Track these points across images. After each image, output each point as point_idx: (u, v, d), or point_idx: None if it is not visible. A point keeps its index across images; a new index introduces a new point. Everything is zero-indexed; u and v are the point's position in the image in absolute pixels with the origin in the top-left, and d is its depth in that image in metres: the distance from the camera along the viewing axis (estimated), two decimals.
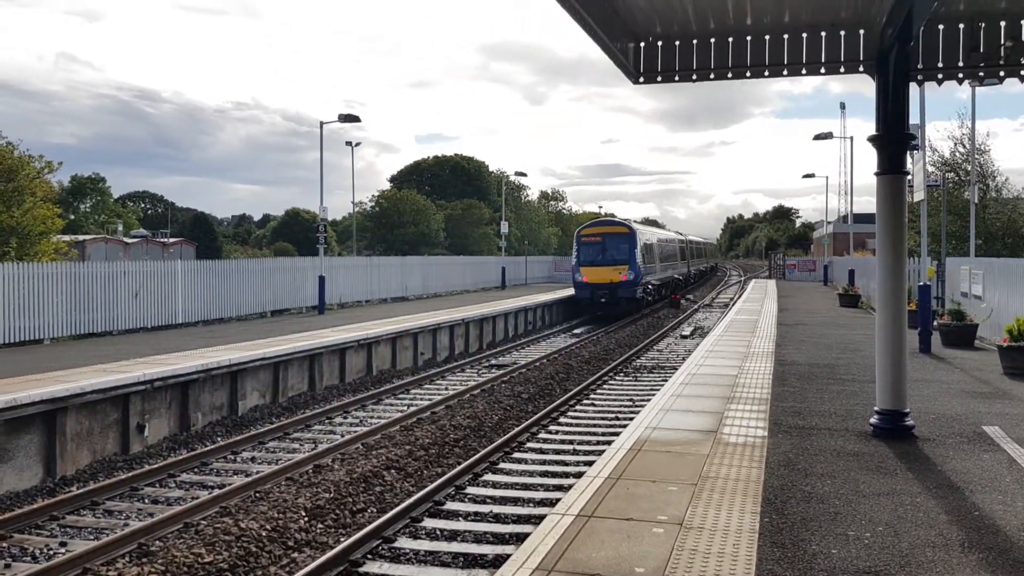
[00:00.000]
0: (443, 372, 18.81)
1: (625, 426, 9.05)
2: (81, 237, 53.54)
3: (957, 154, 33.73)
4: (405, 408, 14.76)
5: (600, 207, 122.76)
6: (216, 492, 9.45)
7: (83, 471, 11.04)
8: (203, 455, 11.31)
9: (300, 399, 15.85)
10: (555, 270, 53.18)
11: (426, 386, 17.22)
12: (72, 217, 59.38)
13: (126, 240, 61.54)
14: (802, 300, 31.38)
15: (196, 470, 10.82)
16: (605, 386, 16.75)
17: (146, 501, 9.58)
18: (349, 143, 43.56)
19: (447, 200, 70.14)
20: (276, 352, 15.39)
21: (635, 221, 37.75)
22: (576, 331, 27.90)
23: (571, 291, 32.88)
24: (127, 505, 9.38)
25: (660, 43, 9.16)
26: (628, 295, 31.33)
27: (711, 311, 36.79)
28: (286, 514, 8.63)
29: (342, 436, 12.60)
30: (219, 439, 12.81)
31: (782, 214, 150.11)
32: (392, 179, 77.44)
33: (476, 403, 14.87)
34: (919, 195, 16.22)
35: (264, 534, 8.04)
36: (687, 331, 27.26)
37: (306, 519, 8.60)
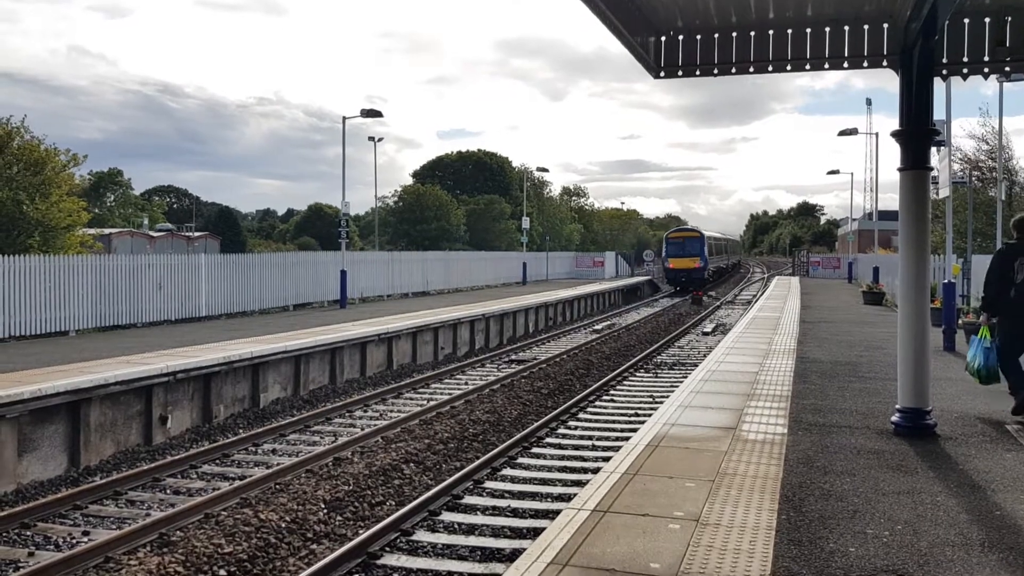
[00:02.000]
0: (463, 367, 18.85)
1: (644, 422, 9.03)
2: (107, 230, 54.15)
3: (980, 151, 33.30)
4: (425, 402, 14.82)
5: (622, 203, 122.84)
6: (237, 483, 9.53)
7: (106, 461, 11.18)
8: (225, 447, 11.41)
9: (321, 392, 15.95)
10: (576, 266, 53.20)
11: (446, 380, 17.27)
12: (97, 211, 60.06)
13: (151, 234, 62.18)
14: (825, 297, 31.13)
15: (217, 462, 10.92)
16: (625, 382, 16.72)
17: (168, 492, 9.68)
18: (371, 138, 43.78)
19: (469, 195, 70.20)
20: (297, 345, 15.49)
21: (701, 229, 52.83)
22: (597, 327, 27.88)
23: (593, 287, 38.49)
24: (149, 495, 9.49)
25: (681, 37, 9.10)
26: (698, 276, 46.54)
27: (733, 308, 36.60)
28: (305, 506, 8.69)
29: (362, 429, 12.67)
30: (240, 431, 12.92)
31: (806, 211, 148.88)
32: (414, 174, 77.59)
33: (495, 398, 14.89)
34: (944, 191, 16.01)
35: (283, 525, 8.10)
36: (709, 328, 27.14)
37: (325, 511, 8.66)
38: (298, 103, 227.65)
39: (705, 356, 17.16)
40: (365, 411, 14.18)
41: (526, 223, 48.02)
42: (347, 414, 13.89)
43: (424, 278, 33.65)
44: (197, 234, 69.95)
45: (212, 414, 13.37)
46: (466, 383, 16.90)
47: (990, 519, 5.46)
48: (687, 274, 46.66)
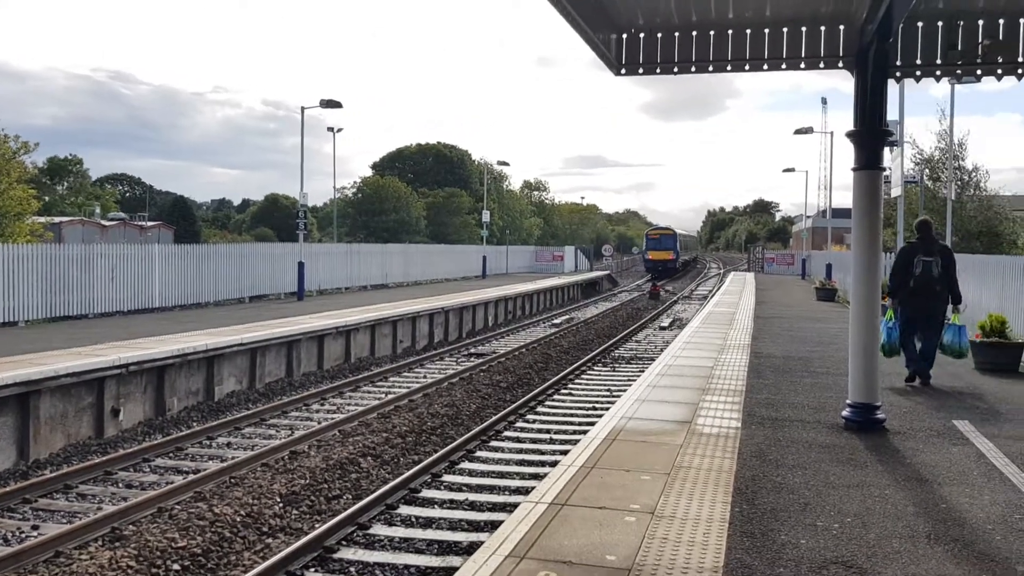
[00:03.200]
0: (422, 360, 18.81)
1: (601, 416, 9.10)
2: (57, 219, 52.91)
3: (937, 151, 34.01)
4: (383, 396, 14.76)
5: (582, 198, 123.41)
6: (191, 477, 9.42)
7: (57, 455, 10.96)
8: (178, 440, 11.26)
9: (277, 385, 15.80)
10: (536, 260, 53.31)
11: (404, 374, 17.22)
12: (47, 199, 58.66)
13: (103, 223, 60.90)
14: (780, 293, 31.63)
15: (171, 455, 10.77)
16: (583, 376, 16.82)
17: (120, 485, 9.53)
18: (331, 129, 43.36)
19: (429, 188, 69.90)
20: (254, 338, 15.32)
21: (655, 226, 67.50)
22: (556, 321, 28.00)
23: (553, 281, 39.17)
24: (101, 489, 9.33)
25: (642, 35, 9.16)
26: (671, 266, 58.60)
27: (690, 303, 37.01)
28: (261, 500, 8.62)
29: (319, 423, 12.58)
30: (195, 424, 12.76)
31: (762, 208, 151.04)
32: (374, 166, 77.06)
33: (454, 391, 14.89)
34: (896, 191, 16.35)
35: (238, 519, 8.03)
36: (665, 322, 27.41)
37: (281, 505, 8.60)
38: (254, 92, 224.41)
39: (662, 351, 17.34)
40: (322, 404, 14.08)
41: (486, 216, 48.00)
42: (304, 407, 13.78)
43: (383, 271, 33.47)
44: (150, 224, 68.69)
45: (166, 407, 13.18)
46: (425, 376, 16.86)
47: (936, 512, 5.61)
48: (663, 264, 58.33)
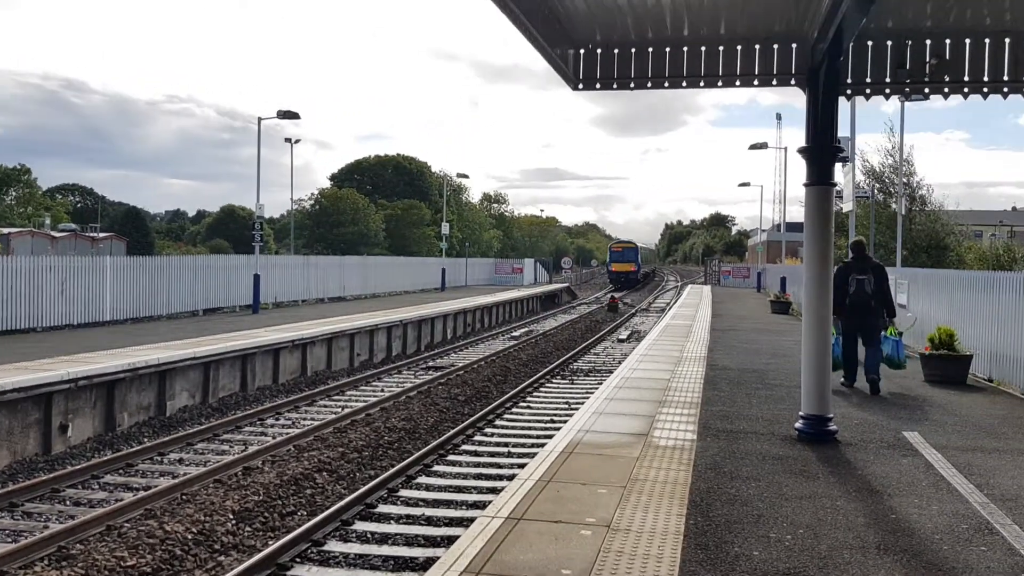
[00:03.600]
0: (379, 374, 18.68)
1: (559, 429, 9.12)
2: (6, 230, 51.70)
3: (886, 167, 34.77)
4: (339, 410, 14.62)
5: (542, 210, 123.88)
6: (141, 494, 9.22)
7: (2, 472, 10.65)
8: (128, 456, 11.02)
9: (231, 400, 15.57)
10: (496, 272, 53.35)
11: (361, 388, 17.08)
12: None
13: (54, 234, 59.63)
14: (736, 306, 32.02)
15: (121, 471, 10.54)
16: (541, 389, 16.84)
17: (68, 503, 9.29)
18: (288, 140, 42.98)
19: (388, 200, 69.62)
20: (207, 351, 15.08)
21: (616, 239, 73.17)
22: (515, 334, 28.02)
23: (512, 293, 39.32)
24: (47, 507, 9.09)
25: (599, 51, 9.25)
26: (634, 277, 64.17)
27: (648, 315, 37.29)
28: (213, 517, 8.46)
29: (273, 438, 12.41)
30: (146, 440, 12.50)
31: (718, 221, 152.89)
32: (332, 177, 76.53)
33: (412, 405, 14.80)
34: (848, 206, 16.68)
35: (190, 537, 7.87)
36: (624, 335, 27.58)
37: (234, 522, 8.45)
38: (210, 102, 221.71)
39: (620, 363, 17.43)
40: (277, 419, 13.90)
41: (446, 229, 47.95)
42: (258, 422, 13.59)
43: (341, 283, 33.22)
44: (102, 235, 67.40)
45: (116, 422, 12.90)
46: (382, 390, 16.74)
47: (886, 522, 5.71)
48: (625, 275, 63.78)
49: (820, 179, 8.28)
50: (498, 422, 13.53)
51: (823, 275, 8.31)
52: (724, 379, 12.31)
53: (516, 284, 50.87)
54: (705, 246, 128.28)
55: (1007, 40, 8.44)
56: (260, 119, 27.48)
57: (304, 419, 13.91)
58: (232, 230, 72.43)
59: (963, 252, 33.36)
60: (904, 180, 29.33)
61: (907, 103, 23.95)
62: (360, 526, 8.35)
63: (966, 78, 8.58)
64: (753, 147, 42.46)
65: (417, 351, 23.96)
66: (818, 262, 8.30)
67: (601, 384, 13.09)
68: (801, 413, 8.44)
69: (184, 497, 9.25)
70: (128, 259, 22.75)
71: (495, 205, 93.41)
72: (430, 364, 20.65)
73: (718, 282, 55.44)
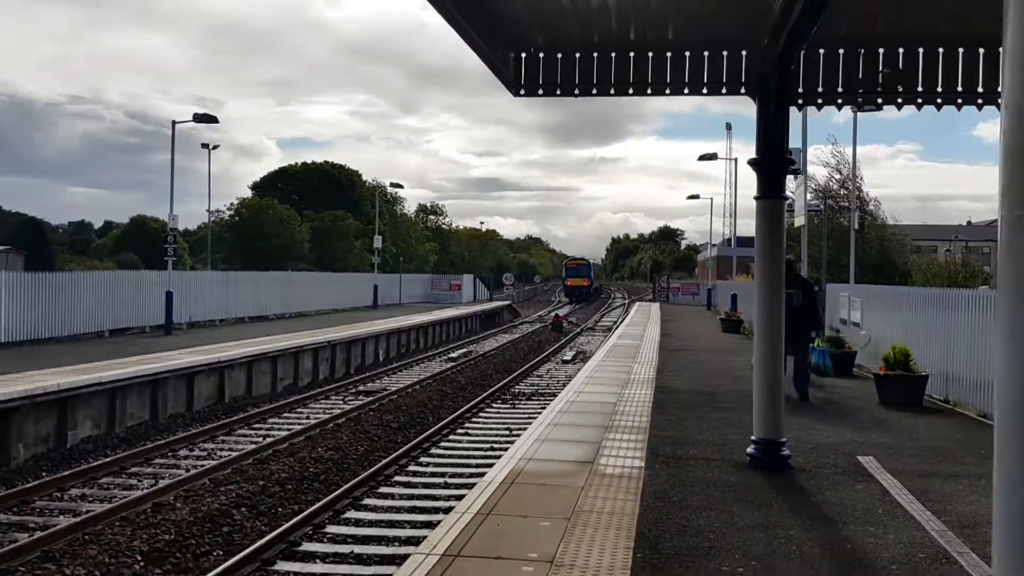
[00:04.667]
0: (305, 399, 18.43)
1: (500, 457, 9.09)
2: None
3: (832, 180, 35.70)
4: (260, 439, 14.36)
5: (481, 223, 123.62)
6: (38, 535, 8.89)
7: None
8: (24, 493, 10.63)
9: (140, 429, 15.17)
10: (432, 289, 53.21)
11: (285, 415, 16.82)
12: None
13: None
14: (685, 325, 32.48)
15: (15, 510, 10.16)
16: (481, 414, 16.81)
17: None
18: (205, 145, 42.25)
19: (315, 211, 68.94)
20: (113, 376, 14.69)
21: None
22: (453, 355, 27.95)
23: (450, 312, 39.59)
24: None
25: (542, 55, 9.32)
26: (587, 291, 74.72)
27: (593, 335, 37.55)
28: (119, 559, 8.22)
29: (187, 471, 12.11)
30: (44, 474, 12.08)
31: (667, 235, 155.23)
32: (254, 186, 75.47)
33: (340, 433, 14.62)
34: (800, 220, 17.05)
35: None
36: (568, 355, 27.73)
37: (142, 564, 8.22)
38: (118, 104, 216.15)
39: (564, 385, 17.50)
40: (191, 450, 13.59)
41: (378, 242, 47.68)
42: (170, 454, 13.26)
43: (263, 301, 32.72)
44: None
45: (10, 455, 12.44)
46: (308, 417, 16.51)
47: (841, 552, 5.82)
48: (580, 289, 73.42)
49: (771, 192, 8.46)
50: (434, 451, 13.44)
51: (774, 292, 8.48)
52: (673, 402, 12.45)
53: (454, 302, 50.79)
54: (653, 261, 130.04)
55: (960, 50, 8.75)
56: (174, 123, 26.98)
57: (221, 450, 13.62)
58: (142, 243, 70.70)
59: (912, 268, 34.40)
60: (855, 193, 30.19)
61: (859, 113, 24.67)
62: (283, 566, 8.19)
63: (919, 88, 8.86)
64: (703, 158, 43.30)
65: (347, 375, 23.71)
66: (769, 279, 8.47)
67: (544, 408, 13.11)
68: (753, 437, 8.57)
69: (87, 537, 8.96)
70: (26, 275, 22.07)
71: (432, 217, 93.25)
72: (361, 389, 20.46)
73: (667, 299, 56.24)
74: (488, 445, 13.79)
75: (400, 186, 60.32)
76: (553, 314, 48.91)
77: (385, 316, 34.49)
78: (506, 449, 10.51)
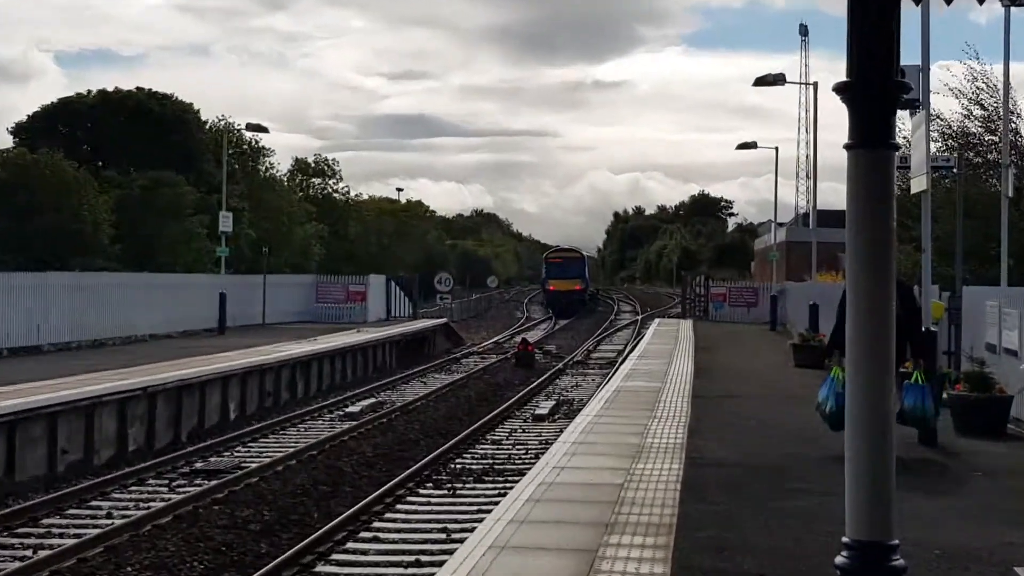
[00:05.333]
0: (103, 485, 18.28)
1: None
2: None
3: (971, 118, 35.68)
4: (29, 553, 14.19)
5: (399, 191, 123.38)
6: None
7: None
8: None
9: None
10: (319, 300, 52.88)
11: (71, 512, 16.67)
12: None
13: None
14: (735, 355, 32.65)
15: None
16: (401, 506, 16.82)
17: None
18: None
19: (121, 170, 68.28)
20: None
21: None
22: (353, 408, 27.88)
23: (348, 338, 40.76)
24: None
25: None
26: (579, 299, 79.06)
27: (586, 372, 37.70)
28: None
29: None
30: None
31: (704, 209, 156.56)
32: (17, 129, 74.63)
33: (164, 541, 14.52)
34: (919, 184, 17.04)
35: None
36: (544, 407, 27.73)
37: None
38: None
39: (537, 457, 17.49)
40: None
41: (226, 223, 47.37)
42: None
43: (33, 321, 32.36)
44: None
45: None
46: (108, 515, 16.37)
47: None
48: (568, 296, 76.84)
49: (872, 137, 8.43)
50: (322, 570, 13.40)
51: (878, 298, 8.46)
52: (716, 483, 12.46)
53: (354, 320, 50.62)
54: (683, 251, 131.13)
55: None
56: None
57: None
58: None
59: None
60: (1009, 139, 29.90)
61: (1012, 7, 24.66)
62: None
63: None
64: (760, 82, 43.53)
65: (174, 442, 23.53)
66: (868, 275, 8.43)
67: (504, 496, 13.06)
68: (845, 539, 8.58)
69: None
70: None
71: (316, 181, 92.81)
72: (198, 467, 20.32)
73: (705, 313, 56.46)
74: (412, 559, 13.72)
75: (263, 129, 59.76)
76: (519, 339, 48.93)
77: (239, 345, 34.24)
78: (442, 565, 10.45)
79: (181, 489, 18.14)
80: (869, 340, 8.72)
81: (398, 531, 15.24)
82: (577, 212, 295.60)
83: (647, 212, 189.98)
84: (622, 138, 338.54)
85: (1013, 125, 32.65)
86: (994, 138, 35.00)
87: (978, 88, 36.17)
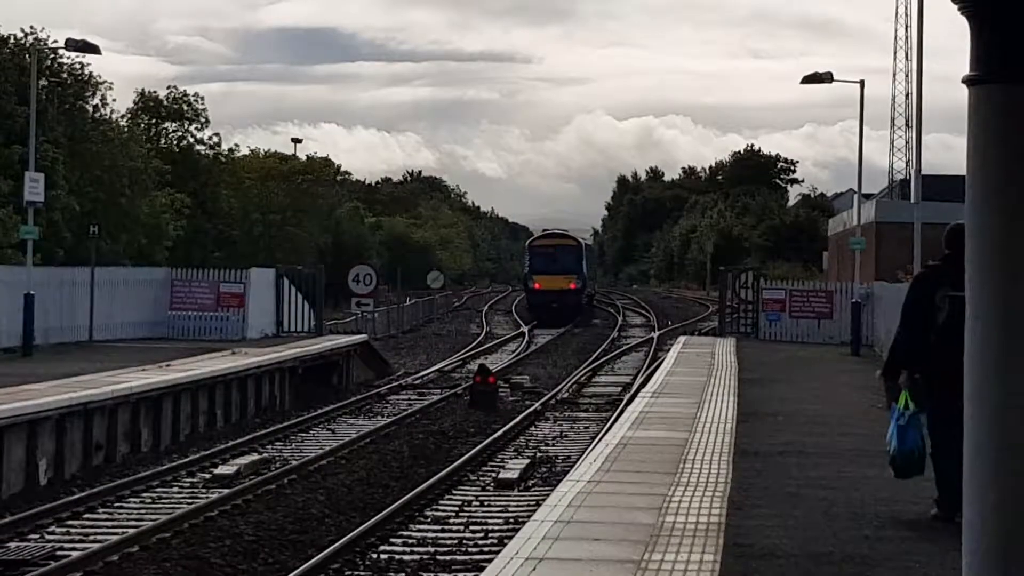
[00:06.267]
0: None
1: None
2: None
3: None
4: None
5: (295, 143, 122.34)
6: None
7: None
8: None
9: None
10: (173, 304, 52.68)
11: None
12: None
13: None
14: (798, 390, 32.74)
15: None
16: None
17: None
18: None
19: None
20: None
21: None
22: (226, 469, 27.76)
23: (216, 363, 40.95)
24: None
25: None
26: (574, 302, 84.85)
27: (574, 417, 37.73)
28: None
29: None
30: None
31: (753, 172, 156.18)
32: None
33: None
34: None
35: None
36: (513, 468, 27.69)
37: None
38: None
39: (501, 544, 17.50)
40: None
41: (36, 190, 47.05)
42: None
43: None
44: None
45: None
46: None
47: None
48: (559, 297, 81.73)
49: (1003, 68, 8.48)
50: None
51: (1015, 298, 8.49)
52: None
53: (228, 335, 50.54)
54: (719, 235, 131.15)
55: None
56: None
57: None
58: None
59: None
60: None
61: None
62: None
63: None
64: None
65: None
66: (1000, 267, 8.48)
67: None
68: None
69: None
70: None
71: (170, 126, 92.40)
72: None
73: (754, 328, 56.40)
74: None
75: (91, 48, 59.29)
76: (475, 366, 48.75)
77: (54, 373, 34.03)
78: None
79: None
80: (1002, 348, 8.74)
81: None
82: (562, 176, 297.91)
83: (667, 177, 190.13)
84: (628, 66, 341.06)
85: None
86: None
87: None
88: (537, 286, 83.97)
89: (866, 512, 16.35)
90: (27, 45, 63.87)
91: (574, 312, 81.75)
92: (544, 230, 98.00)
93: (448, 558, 19.94)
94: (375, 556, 20.11)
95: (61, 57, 67.00)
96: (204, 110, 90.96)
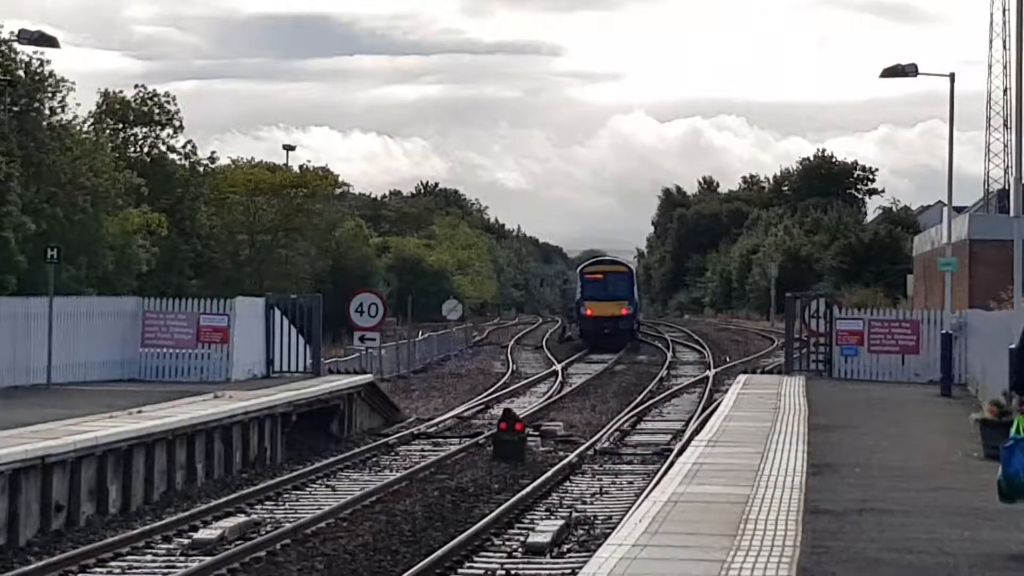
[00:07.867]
0: None
1: None
2: None
3: None
4: None
5: (288, 150, 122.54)
6: None
7: None
8: None
9: None
10: (146, 340, 52.72)
11: None
12: None
13: None
14: (879, 437, 32.66)
15: None
16: None
17: None
18: None
19: None
20: None
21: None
22: (207, 534, 27.75)
23: (198, 409, 40.46)
24: None
25: None
26: (627, 328, 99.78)
27: (618, 470, 37.64)
28: None
29: None
30: None
31: (824, 182, 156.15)
32: None
33: None
34: None
35: None
36: (544, 531, 27.63)
37: None
38: None
39: None
40: None
41: None
42: None
43: None
44: None
45: None
46: None
47: None
48: (612, 324, 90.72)
49: None
50: None
51: None
52: None
53: (210, 376, 50.59)
54: (785, 255, 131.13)
55: None
56: None
57: None
58: None
59: None
60: None
61: None
62: None
63: None
64: None
65: None
66: None
67: None
68: None
69: None
70: None
71: (139, 132, 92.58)
72: None
73: (826, 366, 56.25)
74: None
75: (49, 41, 59.70)
76: (499, 411, 48.68)
77: (6, 420, 34.08)
78: None
79: None
80: None
81: None
82: (596, 188, 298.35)
83: (722, 188, 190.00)
84: (671, 58, 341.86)
85: None
86: None
87: None
88: (590, 312, 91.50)
89: None
90: None
91: (627, 337, 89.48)
92: (593, 257, 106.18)
93: None
94: None
95: (14, 53, 67.05)
96: (177, 112, 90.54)
